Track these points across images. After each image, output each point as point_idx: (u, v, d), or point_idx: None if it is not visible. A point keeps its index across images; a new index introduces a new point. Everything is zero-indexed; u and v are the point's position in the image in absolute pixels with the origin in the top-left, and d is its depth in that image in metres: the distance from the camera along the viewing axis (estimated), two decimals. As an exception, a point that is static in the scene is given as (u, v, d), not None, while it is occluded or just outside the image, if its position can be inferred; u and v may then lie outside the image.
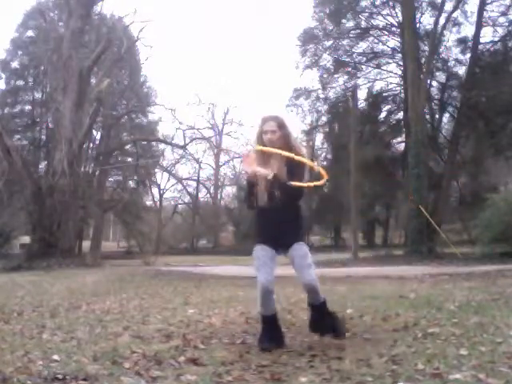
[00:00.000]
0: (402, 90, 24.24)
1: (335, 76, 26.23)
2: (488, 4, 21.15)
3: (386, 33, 25.54)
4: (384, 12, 24.93)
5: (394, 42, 25.42)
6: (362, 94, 26.44)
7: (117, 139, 32.26)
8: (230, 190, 42.99)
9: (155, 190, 38.89)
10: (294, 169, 3.34)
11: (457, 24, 22.74)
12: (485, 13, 21.06)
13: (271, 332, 3.40)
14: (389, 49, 25.84)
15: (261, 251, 3.43)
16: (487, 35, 27.12)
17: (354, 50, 26.05)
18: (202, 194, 41.61)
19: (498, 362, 2.73)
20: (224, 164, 41.34)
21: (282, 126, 3.46)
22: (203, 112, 40.62)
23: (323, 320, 3.47)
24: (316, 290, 3.35)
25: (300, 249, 3.39)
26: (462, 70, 23.63)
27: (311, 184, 3.42)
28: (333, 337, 3.42)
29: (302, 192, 3.47)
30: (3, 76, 31.19)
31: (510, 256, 12.91)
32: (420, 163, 17.59)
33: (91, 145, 29.80)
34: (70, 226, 18.16)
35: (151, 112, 33.84)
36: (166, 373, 2.79)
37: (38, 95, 30.81)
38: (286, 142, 3.44)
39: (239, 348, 3.39)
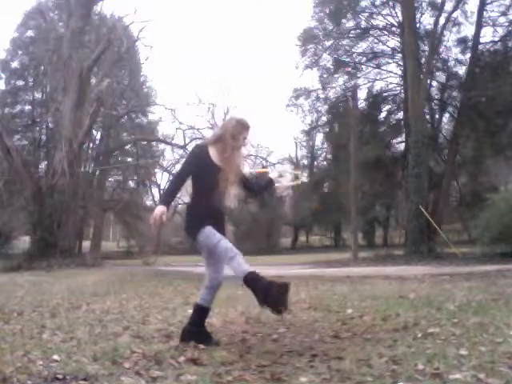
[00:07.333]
0: (402, 90, 24.24)
1: (335, 76, 26.25)
2: (488, 4, 21.13)
3: (386, 33, 25.55)
4: (384, 12, 24.95)
5: (393, 41, 25.46)
6: (362, 94, 26.46)
7: (117, 139, 32.27)
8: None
9: (155, 190, 38.91)
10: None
11: (457, 24, 22.75)
12: (485, 13, 21.05)
13: (264, 289, 3.14)
14: (389, 49, 25.85)
15: (212, 230, 3.48)
16: (487, 35, 27.14)
17: (353, 50, 26.07)
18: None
19: (497, 361, 2.72)
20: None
21: None
22: (203, 112, 40.53)
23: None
24: None
25: None
26: (462, 70, 23.65)
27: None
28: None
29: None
30: (3, 76, 31.15)
31: (510, 256, 12.92)
32: (420, 163, 17.57)
33: (91, 145, 29.80)
34: (69, 225, 18.14)
35: (151, 112, 33.80)
36: (166, 373, 2.79)
37: (38, 95, 30.76)
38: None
39: (239, 348, 3.39)
